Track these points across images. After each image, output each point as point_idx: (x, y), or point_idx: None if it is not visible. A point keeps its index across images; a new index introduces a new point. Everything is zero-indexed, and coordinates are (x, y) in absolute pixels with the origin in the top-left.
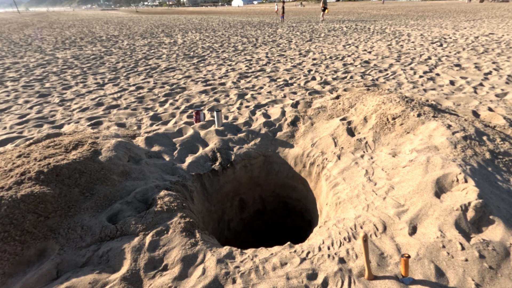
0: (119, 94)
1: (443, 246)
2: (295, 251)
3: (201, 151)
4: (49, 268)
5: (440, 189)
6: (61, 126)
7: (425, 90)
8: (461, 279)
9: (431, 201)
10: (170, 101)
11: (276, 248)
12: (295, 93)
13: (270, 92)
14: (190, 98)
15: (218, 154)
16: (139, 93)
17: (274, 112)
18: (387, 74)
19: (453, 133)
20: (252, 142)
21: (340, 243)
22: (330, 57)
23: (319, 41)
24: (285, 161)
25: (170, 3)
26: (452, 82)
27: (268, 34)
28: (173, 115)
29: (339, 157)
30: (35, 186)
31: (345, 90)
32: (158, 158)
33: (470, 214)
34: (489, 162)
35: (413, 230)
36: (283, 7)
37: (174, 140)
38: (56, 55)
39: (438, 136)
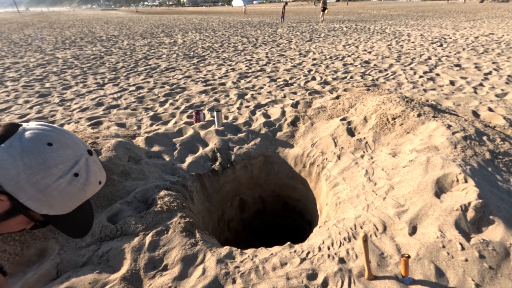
0: (119, 94)
1: (443, 246)
2: (295, 251)
3: (201, 151)
4: (49, 268)
5: (440, 189)
6: (61, 126)
7: (425, 90)
8: (461, 279)
9: (431, 201)
10: (170, 101)
11: (276, 248)
12: (295, 93)
13: (270, 92)
14: (190, 98)
15: (218, 154)
16: (139, 93)
17: (274, 112)
18: (387, 74)
19: (453, 133)
20: (252, 142)
21: (340, 243)
22: (330, 57)
23: (319, 41)
24: (285, 161)
25: (170, 3)
26: (452, 82)
27: (268, 34)
28: (173, 115)
29: (339, 157)
30: None
31: (345, 90)
32: (158, 158)
33: (470, 214)
34: (489, 162)
35: (413, 230)
36: (284, 7)
37: (174, 140)
38: (56, 55)
39: (438, 136)
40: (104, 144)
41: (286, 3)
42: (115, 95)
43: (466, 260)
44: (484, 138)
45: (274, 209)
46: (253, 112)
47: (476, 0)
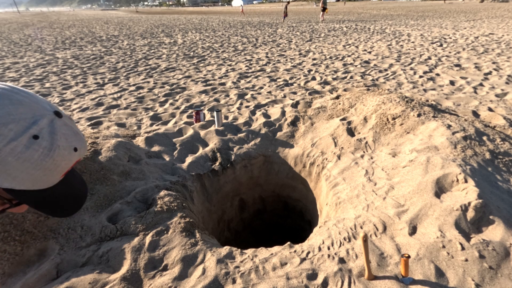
0: (119, 94)
1: (443, 246)
2: (295, 251)
3: (201, 151)
4: (49, 268)
5: (440, 189)
6: None
7: (425, 90)
8: (461, 279)
9: (431, 201)
10: (170, 101)
11: (276, 248)
12: (295, 93)
13: (270, 92)
14: (190, 98)
15: (218, 154)
16: (139, 93)
17: (274, 112)
18: (387, 74)
19: (453, 133)
20: (252, 142)
21: (340, 243)
22: (330, 57)
23: (319, 41)
24: (285, 161)
25: (170, 3)
26: (452, 82)
27: (268, 34)
28: (173, 115)
29: (339, 157)
30: None
31: (345, 90)
32: (158, 158)
33: (470, 214)
34: (489, 162)
35: (413, 230)
36: (286, 7)
37: (174, 140)
38: (56, 55)
39: (438, 136)
40: (104, 144)
41: (288, 2)
42: (115, 95)
43: (466, 260)
44: (484, 138)
45: (274, 209)
46: (253, 112)
47: (476, 0)
